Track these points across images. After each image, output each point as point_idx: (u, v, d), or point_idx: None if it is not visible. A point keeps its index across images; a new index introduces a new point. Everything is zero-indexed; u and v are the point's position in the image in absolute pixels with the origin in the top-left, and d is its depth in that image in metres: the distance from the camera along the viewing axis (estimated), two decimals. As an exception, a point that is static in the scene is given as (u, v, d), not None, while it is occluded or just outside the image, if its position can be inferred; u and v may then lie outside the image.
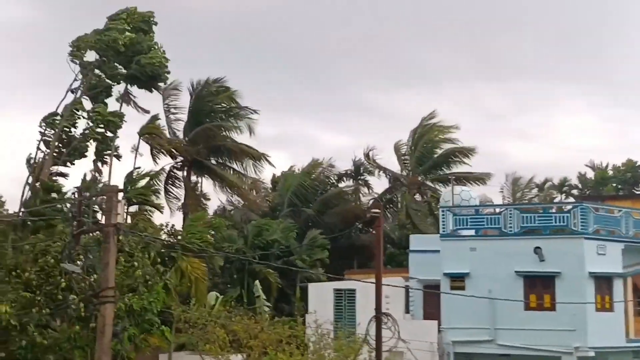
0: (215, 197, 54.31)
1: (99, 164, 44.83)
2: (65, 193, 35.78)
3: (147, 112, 47.54)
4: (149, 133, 46.93)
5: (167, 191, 49.24)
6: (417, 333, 29.50)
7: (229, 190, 51.17)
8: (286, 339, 27.42)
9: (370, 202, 57.58)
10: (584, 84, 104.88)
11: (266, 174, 57.52)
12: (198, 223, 37.07)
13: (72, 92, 42.72)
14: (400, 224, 56.97)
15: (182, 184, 49.89)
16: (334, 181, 61.58)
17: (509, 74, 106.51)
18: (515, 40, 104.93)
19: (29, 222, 33.27)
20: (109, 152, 43.76)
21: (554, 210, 35.49)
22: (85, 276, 22.74)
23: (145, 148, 47.78)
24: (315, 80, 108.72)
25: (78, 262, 23.16)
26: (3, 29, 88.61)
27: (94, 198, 33.10)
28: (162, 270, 29.33)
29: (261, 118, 51.20)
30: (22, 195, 39.61)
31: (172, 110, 49.62)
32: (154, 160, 48.34)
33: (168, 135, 49.00)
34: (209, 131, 48.67)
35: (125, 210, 37.96)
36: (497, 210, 36.37)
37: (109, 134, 43.30)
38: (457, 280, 34.05)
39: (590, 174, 74.41)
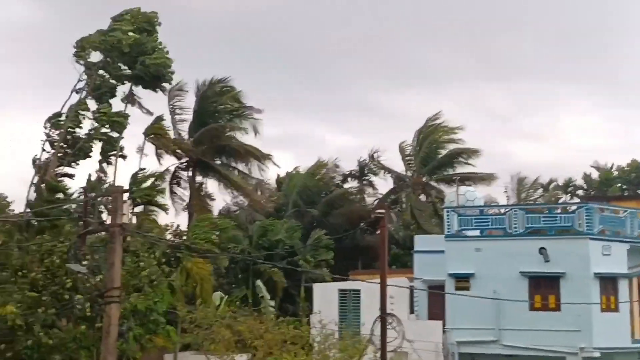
0: (220, 197, 54.40)
1: (104, 165, 44.94)
2: (72, 194, 35.85)
3: (151, 113, 47.67)
4: (154, 133, 46.95)
5: (172, 191, 49.28)
6: (421, 333, 29.52)
7: (233, 191, 51.18)
8: (291, 339, 27.42)
9: (375, 202, 57.57)
10: (588, 84, 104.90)
11: (271, 175, 57.66)
12: (204, 224, 37.10)
13: (77, 92, 42.87)
14: (405, 224, 56.98)
15: (187, 184, 49.91)
16: (339, 182, 61.59)
17: (512, 74, 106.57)
18: (519, 41, 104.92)
19: (34, 223, 33.36)
20: (114, 152, 43.84)
21: (559, 211, 35.37)
22: (91, 276, 22.80)
23: (150, 148, 47.88)
24: (318, 80, 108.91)
25: (84, 262, 23.24)
26: (3, 29, 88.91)
27: (99, 198, 33.16)
28: (168, 271, 29.43)
29: (264, 118, 51.03)
30: (28, 196, 39.75)
31: (177, 110, 49.65)
32: (159, 160, 48.42)
33: (173, 136, 49.03)
34: (214, 131, 48.66)
35: (131, 211, 38.02)
36: (502, 210, 36.33)
37: (114, 134, 43.40)
38: (462, 281, 33.99)
39: (595, 175, 74.29)
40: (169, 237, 36.08)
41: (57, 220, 30.98)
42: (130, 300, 25.03)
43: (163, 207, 43.92)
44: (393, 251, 52.44)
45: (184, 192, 49.81)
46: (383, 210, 23.24)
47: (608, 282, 32.92)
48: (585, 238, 32.70)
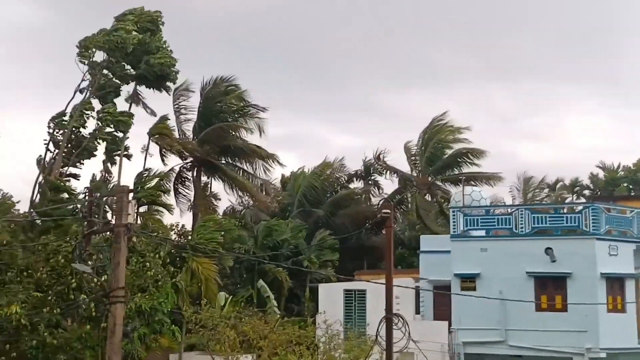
0: (225, 197, 54.32)
1: (109, 164, 44.95)
2: (77, 194, 35.85)
3: (155, 114, 47.68)
4: (159, 133, 46.93)
5: (176, 191, 49.23)
6: (427, 334, 29.33)
7: (238, 191, 51.08)
8: (296, 339, 27.37)
9: (380, 202, 57.44)
10: (593, 84, 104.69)
11: (275, 174, 57.60)
12: (209, 224, 37.05)
13: (81, 92, 42.85)
14: (411, 224, 56.90)
15: (192, 184, 49.86)
16: (344, 182, 61.51)
17: (515, 74, 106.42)
18: (522, 41, 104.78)
19: (38, 222, 33.36)
20: (119, 152, 43.83)
21: (565, 211, 35.25)
22: (96, 276, 22.76)
23: (155, 148, 47.87)
24: (318, 80, 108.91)
25: (89, 262, 23.18)
26: (4, 29, 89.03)
27: (104, 198, 33.13)
28: (173, 271, 29.39)
29: (268, 118, 50.88)
30: (33, 195, 39.76)
31: (182, 110, 49.59)
32: (163, 160, 48.41)
33: (177, 136, 49.00)
34: (219, 131, 48.57)
35: (136, 211, 38.00)
36: (508, 210, 36.22)
37: (118, 134, 43.40)
38: (468, 281, 33.91)
39: (602, 175, 74.11)
40: (174, 237, 36.09)
41: (62, 220, 30.97)
42: (135, 300, 25.00)
43: (168, 207, 43.91)
44: (399, 251, 52.38)
45: (189, 192, 49.84)
46: (388, 210, 23.07)
47: (615, 283, 32.82)
48: (592, 238, 32.60)
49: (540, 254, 32.75)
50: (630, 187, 69.95)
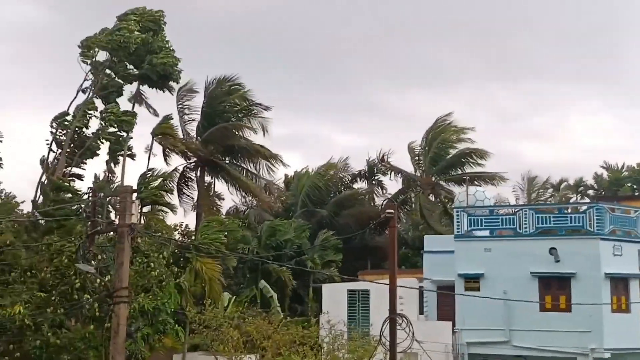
0: (228, 197, 54.28)
1: (112, 165, 44.94)
2: (81, 194, 35.84)
3: (157, 114, 47.66)
4: (162, 133, 46.93)
5: (180, 191, 49.23)
6: (431, 334, 29.29)
7: (242, 191, 51.05)
8: (300, 339, 27.34)
9: (384, 202, 57.40)
10: (597, 84, 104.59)
11: (279, 174, 57.54)
12: (212, 224, 37.05)
13: (83, 92, 42.86)
14: (415, 224, 56.82)
15: (196, 184, 49.85)
16: (348, 182, 61.47)
17: (519, 74, 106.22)
18: (526, 41, 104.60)
19: (41, 222, 33.35)
20: (122, 152, 43.83)
21: (569, 211, 35.18)
22: (100, 276, 22.74)
23: (158, 148, 47.87)
24: (319, 80, 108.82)
25: (92, 263, 23.19)
26: (6, 29, 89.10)
27: (108, 198, 33.14)
28: (176, 271, 29.38)
29: (271, 118, 50.81)
30: (36, 196, 39.77)
31: (186, 110, 49.58)
32: (166, 160, 48.41)
33: (181, 136, 48.99)
34: (223, 131, 48.55)
35: (139, 211, 38.00)
36: (512, 210, 36.15)
37: (122, 133, 43.38)
38: (472, 281, 33.84)
39: (606, 175, 74.03)
40: (177, 237, 36.07)
41: (65, 220, 30.97)
42: (138, 300, 24.99)
43: (171, 207, 43.90)
44: (402, 251, 52.32)
45: (193, 192, 49.83)
46: (392, 210, 23.04)
47: (619, 283, 32.73)
48: (596, 238, 32.50)
49: (544, 254, 32.66)
50: (635, 187, 69.88)
